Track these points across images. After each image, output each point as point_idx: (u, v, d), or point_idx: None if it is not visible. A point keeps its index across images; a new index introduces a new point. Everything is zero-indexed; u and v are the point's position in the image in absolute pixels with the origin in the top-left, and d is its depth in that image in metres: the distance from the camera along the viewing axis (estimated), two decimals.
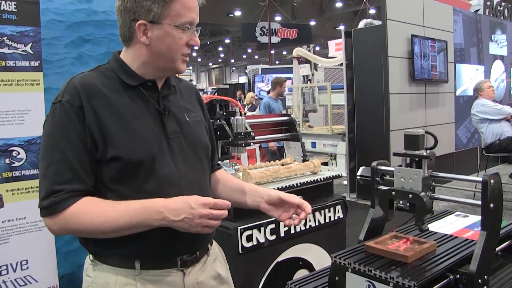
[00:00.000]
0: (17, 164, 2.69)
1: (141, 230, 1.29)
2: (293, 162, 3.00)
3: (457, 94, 7.47)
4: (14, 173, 2.68)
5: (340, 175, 3.05)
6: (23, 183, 2.71)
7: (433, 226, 1.94)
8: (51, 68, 3.12)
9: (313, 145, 7.50)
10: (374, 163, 1.91)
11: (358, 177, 2.02)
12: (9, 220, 2.64)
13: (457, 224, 1.94)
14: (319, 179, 2.86)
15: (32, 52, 2.71)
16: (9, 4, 2.58)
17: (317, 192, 2.85)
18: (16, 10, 2.61)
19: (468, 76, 7.79)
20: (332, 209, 2.86)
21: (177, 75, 1.58)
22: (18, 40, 2.64)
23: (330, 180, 2.96)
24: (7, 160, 2.66)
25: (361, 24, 7.04)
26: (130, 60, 1.42)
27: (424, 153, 1.76)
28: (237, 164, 2.81)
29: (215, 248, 1.63)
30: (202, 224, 1.24)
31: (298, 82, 8.20)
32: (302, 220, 1.50)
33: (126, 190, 1.33)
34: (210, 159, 1.63)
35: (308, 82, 7.98)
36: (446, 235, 1.79)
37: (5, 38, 2.59)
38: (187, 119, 1.50)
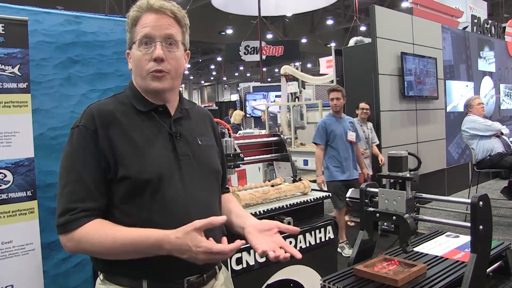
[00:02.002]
0: (3, 186, 2.66)
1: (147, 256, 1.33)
2: (283, 182, 2.98)
3: (447, 110, 7.52)
4: (1, 196, 2.65)
5: (330, 195, 3.04)
6: (10, 206, 2.67)
7: (424, 248, 1.93)
8: (39, 89, 3.10)
9: (305, 162, 7.49)
10: (363, 185, 1.93)
11: (348, 199, 2.03)
12: None
13: (448, 245, 1.93)
14: (309, 200, 2.84)
15: (20, 74, 2.69)
16: None
17: (307, 213, 2.84)
18: (3, 32, 2.60)
19: (458, 92, 7.85)
20: (322, 229, 2.84)
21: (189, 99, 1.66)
22: (5, 62, 2.62)
23: (320, 201, 2.95)
24: None
25: (351, 42, 7.09)
26: (138, 86, 1.52)
27: (408, 175, 1.78)
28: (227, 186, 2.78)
29: (224, 273, 1.64)
30: (206, 259, 1.25)
31: (286, 100, 8.23)
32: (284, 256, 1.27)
33: (134, 209, 1.39)
34: (221, 182, 1.68)
35: (296, 99, 8.01)
36: (437, 256, 1.78)
37: None
38: (199, 142, 1.56)
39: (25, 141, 2.74)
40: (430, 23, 7.15)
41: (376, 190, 1.86)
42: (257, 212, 2.55)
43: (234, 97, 17.21)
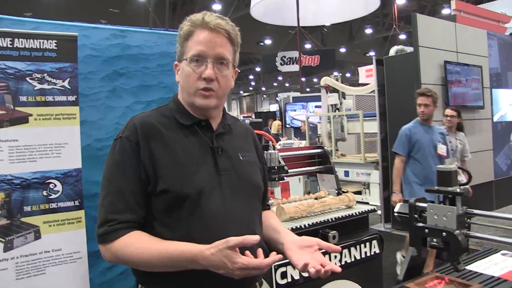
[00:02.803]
0: (53, 196, 2.73)
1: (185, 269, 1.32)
2: (327, 195, 2.95)
3: (494, 120, 7.27)
4: (51, 205, 2.72)
5: (375, 209, 2.98)
6: (59, 215, 2.74)
7: (477, 266, 1.85)
8: (86, 102, 3.19)
9: (346, 174, 7.41)
10: (412, 200, 1.88)
11: (396, 214, 1.98)
12: (45, 252, 2.67)
13: (505, 265, 1.84)
14: (354, 214, 2.81)
15: (70, 87, 2.77)
16: (50, 42, 2.67)
17: (352, 227, 2.79)
18: (56, 48, 2.69)
19: (506, 101, 7.59)
20: (368, 244, 2.78)
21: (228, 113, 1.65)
22: (57, 76, 2.71)
23: (366, 214, 2.90)
24: (44, 192, 2.70)
25: (392, 51, 6.99)
26: (182, 100, 1.53)
27: (458, 190, 1.72)
28: (271, 198, 2.77)
29: None
30: (243, 275, 1.24)
31: (327, 111, 8.17)
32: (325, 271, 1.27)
33: (172, 222, 1.39)
34: (262, 199, 1.67)
35: (336, 110, 7.94)
36: (493, 277, 1.70)
37: (45, 74, 2.66)
38: (241, 158, 1.55)
39: (73, 152, 2.81)
40: (474, 30, 6.97)
41: (425, 205, 1.81)
42: (302, 226, 2.53)
43: (273, 107, 17.19)
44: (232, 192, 1.46)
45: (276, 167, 2.64)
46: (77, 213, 2.83)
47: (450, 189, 1.77)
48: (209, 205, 1.41)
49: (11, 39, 2.56)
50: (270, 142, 2.70)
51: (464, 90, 6.43)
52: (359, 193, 7.21)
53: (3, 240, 2.51)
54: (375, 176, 6.91)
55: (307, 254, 1.35)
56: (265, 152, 2.68)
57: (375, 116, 6.97)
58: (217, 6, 19.75)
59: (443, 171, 1.90)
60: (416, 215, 1.81)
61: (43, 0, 16.86)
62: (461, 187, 1.87)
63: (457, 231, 1.59)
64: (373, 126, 7.16)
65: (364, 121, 7.19)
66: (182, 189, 1.39)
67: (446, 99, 6.16)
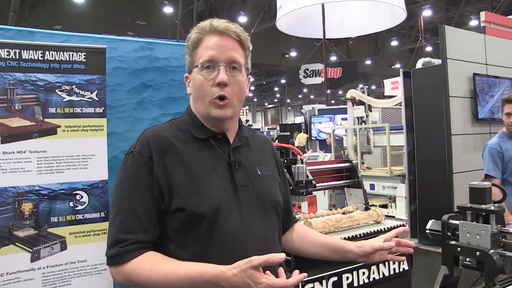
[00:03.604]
0: (80, 207, 2.76)
1: None
2: (355, 210, 2.91)
3: None
4: (77, 216, 2.75)
5: (405, 224, 2.91)
6: (85, 226, 2.76)
7: None
8: (113, 113, 3.21)
9: (372, 187, 7.29)
10: (445, 217, 1.82)
11: (428, 232, 1.93)
12: (71, 263, 2.69)
13: None
14: (383, 229, 2.74)
15: (97, 99, 2.80)
16: (79, 55, 2.71)
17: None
18: (85, 60, 2.73)
19: None
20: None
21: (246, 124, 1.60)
22: (85, 88, 2.75)
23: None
24: (71, 204, 2.73)
25: (419, 63, 6.90)
26: (196, 112, 1.47)
27: (492, 207, 1.67)
28: (298, 213, 2.74)
29: None
30: None
31: (353, 124, 8.10)
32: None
33: (189, 241, 1.33)
34: (286, 213, 1.63)
35: (363, 123, 7.86)
36: None
37: (74, 86, 2.70)
38: (258, 172, 1.49)
39: (100, 164, 2.83)
40: (505, 42, 6.82)
41: (457, 222, 1.76)
42: None
43: (298, 120, 17.17)
44: (250, 209, 1.40)
45: (304, 181, 2.60)
46: (102, 225, 2.84)
47: (483, 206, 1.72)
48: (227, 224, 1.34)
49: (42, 51, 2.61)
50: (298, 156, 2.66)
51: (494, 103, 6.30)
52: (385, 206, 7.09)
53: (30, 250, 2.54)
54: (401, 190, 6.79)
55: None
56: (293, 166, 2.66)
57: (401, 129, 6.87)
58: (243, 19, 19.93)
59: (475, 188, 1.84)
60: (449, 233, 1.76)
61: (72, 13, 17.33)
62: (496, 204, 1.80)
63: (492, 251, 1.54)
64: (399, 139, 7.04)
65: (391, 134, 7.09)
66: (199, 207, 1.32)
67: (475, 112, 6.04)
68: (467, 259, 1.67)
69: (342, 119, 11.56)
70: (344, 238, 2.53)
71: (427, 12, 20.32)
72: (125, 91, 3.33)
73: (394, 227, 2.82)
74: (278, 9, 11.93)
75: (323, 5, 11.04)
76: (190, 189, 1.33)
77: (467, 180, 5.59)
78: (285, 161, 2.71)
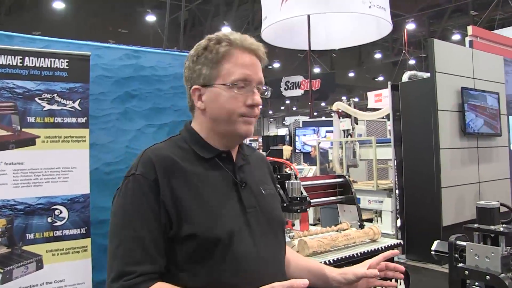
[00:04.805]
0: (59, 223, 2.64)
1: None
2: (350, 228, 2.81)
3: (511, 148, 7.10)
4: (56, 233, 2.63)
5: (401, 243, 2.82)
6: (64, 244, 2.65)
7: None
8: (96, 124, 3.12)
9: (358, 201, 7.21)
10: (452, 238, 1.73)
11: (433, 253, 1.86)
12: (47, 283, 2.55)
13: None
14: (380, 248, 2.65)
15: (80, 109, 2.68)
16: (61, 61, 2.58)
17: None
18: (67, 67, 2.60)
19: None
20: (393, 281, 2.60)
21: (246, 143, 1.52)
22: (67, 97, 2.63)
23: (391, 249, 2.72)
24: (49, 219, 2.60)
25: (405, 76, 6.86)
26: (199, 129, 1.38)
27: (501, 229, 1.60)
28: (292, 231, 2.63)
29: None
30: None
31: (339, 136, 8.02)
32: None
33: (202, 270, 1.24)
34: None
35: (349, 136, 7.80)
36: None
37: (55, 95, 2.58)
38: (263, 191, 1.43)
39: (81, 177, 2.73)
40: (491, 56, 6.84)
41: (465, 243, 1.67)
42: (326, 262, 2.38)
43: (281, 131, 17.14)
44: (260, 231, 1.33)
45: (298, 198, 2.49)
46: (83, 242, 2.73)
47: (492, 227, 1.65)
48: (241, 248, 1.26)
49: (21, 57, 2.47)
50: (292, 171, 2.55)
51: (481, 117, 6.28)
52: (370, 220, 7.02)
53: (1, 270, 2.37)
54: (388, 204, 6.72)
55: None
56: (287, 182, 2.55)
57: (388, 142, 6.83)
58: (226, 29, 19.85)
59: (483, 208, 1.78)
60: (456, 255, 1.67)
61: (51, 19, 16.98)
62: (505, 225, 1.72)
63: (503, 275, 1.46)
64: (385, 153, 6.99)
65: (377, 147, 7.02)
66: (212, 232, 1.23)
67: (463, 126, 6.01)
68: (476, 283, 1.60)
69: (327, 131, 11.49)
70: (341, 258, 2.45)
71: (410, 26, 20.53)
72: (109, 101, 3.24)
73: (391, 246, 2.73)
74: (263, 19, 11.88)
75: (308, 16, 11.02)
76: (202, 213, 1.25)
77: (455, 195, 5.59)
78: (278, 176, 2.60)
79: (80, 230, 2.71)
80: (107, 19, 19.40)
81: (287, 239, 2.57)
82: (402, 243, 2.85)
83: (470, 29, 7.06)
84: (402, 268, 1.43)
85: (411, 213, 6.13)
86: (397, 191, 6.42)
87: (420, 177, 6.03)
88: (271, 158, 2.67)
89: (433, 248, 1.82)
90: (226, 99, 1.30)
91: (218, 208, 1.27)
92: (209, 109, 1.34)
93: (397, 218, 6.46)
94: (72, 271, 2.63)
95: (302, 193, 2.52)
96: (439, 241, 1.83)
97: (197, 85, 1.33)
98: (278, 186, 2.54)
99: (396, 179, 6.40)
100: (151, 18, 19.74)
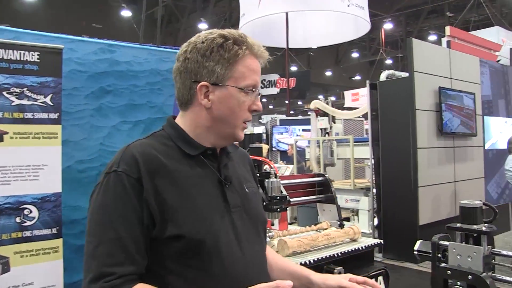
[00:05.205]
0: (28, 223, 2.54)
1: None
2: (330, 227, 2.79)
3: (486, 148, 7.20)
4: (24, 233, 2.52)
5: (381, 242, 2.80)
6: (33, 244, 2.55)
7: None
8: (69, 120, 3.03)
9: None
10: (435, 238, 1.73)
11: (416, 253, 1.85)
12: (14, 286, 2.44)
13: None
14: (360, 248, 2.63)
15: (52, 104, 2.58)
16: (32, 54, 2.46)
17: (357, 262, 2.59)
18: (38, 61, 2.48)
19: (497, 129, 7.54)
20: (373, 280, 2.58)
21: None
22: (38, 91, 2.52)
23: (371, 248, 2.73)
24: (17, 219, 2.49)
25: (383, 76, 6.88)
26: (188, 125, 1.33)
27: (483, 228, 1.60)
28: (271, 230, 2.58)
29: None
30: None
31: (316, 135, 8.01)
32: None
33: (191, 272, 1.20)
34: None
35: (326, 135, 7.79)
36: None
37: (25, 89, 2.47)
38: (246, 190, 1.40)
39: (53, 175, 2.62)
40: (468, 57, 6.93)
41: (447, 243, 1.66)
42: (307, 262, 2.34)
43: (258, 130, 17.06)
44: (245, 231, 1.30)
45: (278, 197, 2.44)
46: (54, 242, 2.63)
47: (475, 227, 1.64)
48: (227, 249, 1.23)
49: None
50: (272, 170, 2.49)
51: (458, 117, 6.34)
52: (347, 219, 7.02)
53: None
54: (365, 203, 6.74)
55: None
56: (266, 180, 2.51)
57: (365, 141, 6.84)
58: (203, 26, 19.71)
59: (466, 207, 1.78)
60: (439, 254, 1.67)
61: (21, 12, 16.51)
62: (487, 225, 1.71)
63: (484, 274, 1.47)
64: (363, 152, 7.01)
65: (354, 146, 7.03)
66: (198, 233, 1.19)
67: (440, 125, 6.06)
68: (458, 282, 1.60)
69: (303, 130, 11.46)
70: (321, 258, 2.41)
71: (387, 26, 20.73)
72: (82, 96, 3.14)
73: (371, 246, 2.71)
74: (241, 16, 11.77)
75: (287, 14, 10.96)
76: (187, 214, 1.20)
77: (432, 194, 5.62)
78: (258, 175, 2.55)
79: (51, 230, 2.62)
80: (80, 13, 18.97)
81: (267, 239, 2.52)
82: (382, 242, 2.83)
83: (448, 29, 7.12)
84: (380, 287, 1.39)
85: (388, 212, 6.16)
86: (374, 190, 6.46)
87: (397, 176, 6.06)
88: (251, 156, 2.62)
89: (415, 248, 1.82)
90: (237, 102, 1.28)
91: (203, 208, 1.24)
92: (215, 109, 1.29)
93: (374, 217, 6.49)
94: (42, 273, 2.53)
95: (282, 192, 2.48)
96: (421, 241, 1.82)
97: (206, 82, 1.28)
98: (258, 184, 2.51)
99: (374, 178, 6.44)
100: (126, 13, 19.39)
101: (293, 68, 23.25)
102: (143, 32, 15.16)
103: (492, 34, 9.45)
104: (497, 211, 1.85)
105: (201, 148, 1.31)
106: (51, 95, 2.56)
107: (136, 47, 3.55)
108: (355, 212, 7.11)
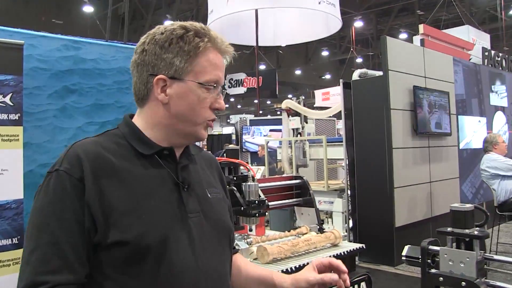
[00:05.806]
0: None
1: None
2: (309, 232, 2.73)
3: (460, 147, 7.24)
4: None
5: (363, 247, 2.71)
6: None
7: None
8: (31, 121, 2.87)
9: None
10: (424, 243, 1.68)
11: (404, 259, 1.82)
12: None
13: None
14: (342, 253, 2.56)
15: (12, 104, 2.40)
16: None
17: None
18: None
19: (471, 128, 7.60)
20: (356, 286, 2.50)
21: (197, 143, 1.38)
22: None
23: (353, 254, 2.65)
24: None
25: (355, 74, 6.83)
26: (144, 123, 1.25)
27: (476, 232, 1.55)
28: (249, 236, 2.47)
29: None
30: None
31: (288, 135, 7.91)
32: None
33: (131, 281, 1.10)
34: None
35: (298, 135, 7.70)
36: None
37: None
38: (209, 195, 1.31)
39: (14, 181, 2.44)
40: (441, 56, 6.94)
41: (438, 248, 1.62)
42: (288, 269, 2.26)
43: (227, 130, 16.90)
44: (202, 239, 1.21)
45: (256, 201, 2.34)
46: (15, 253, 2.47)
47: (467, 231, 1.59)
48: (177, 258, 1.14)
49: None
50: (250, 173, 2.38)
51: (433, 116, 6.34)
52: (321, 222, 6.96)
53: None
54: (339, 205, 6.65)
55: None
56: (244, 184, 2.42)
57: (339, 142, 6.77)
58: (169, 23, 19.40)
59: (457, 211, 1.75)
60: (429, 260, 1.63)
61: None
62: (479, 229, 1.65)
63: (478, 280, 1.43)
64: (336, 152, 6.93)
65: (327, 147, 6.95)
66: (143, 239, 1.09)
67: (415, 125, 6.04)
68: None
69: (270, 130, 11.33)
70: (303, 265, 2.31)
71: (358, 24, 20.88)
72: (45, 96, 2.98)
73: (353, 251, 2.66)
74: (209, 13, 11.60)
75: (256, 11, 10.86)
76: (132, 218, 1.11)
77: (407, 194, 5.57)
78: (235, 178, 2.44)
79: (12, 241, 2.45)
80: (40, 9, 18.36)
81: (245, 246, 2.44)
82: (364, 247, 2.74)
83: (421, 27, 7.12)
84: (345, 269, 1.27)
85: (363, 214, 6.10)
86: (348, 192, 6.39)
87: (372, 177, 6.00)
88: (226, 158, 2.52)
89: (403, 253, 1.80)
90: (197, 99, 1.21)
91: (153, 212, 1.15)
92: (173, 105, 1.21)
93: (349, 219, 6.42)
94: (4, 287, 2.35)
95: (260, 196, 2.37)
96: (410, 246, 1.79)
97: (164, 75, 1.20)
98: (235, 188, 2.41)
99: (348, 179, 6.37)
100: (88, 9, 18.75)
101: (262, 67, 23.23)
102: (107, 29, 14.79)
103: (463, 32, 9.56)
104: (488, 214, 1.80)
105: (156, 148, 1.22)
106: (10, 94, 2.39)
107: (103, 44, 3.39)
108: (329, 214, 7.04)
